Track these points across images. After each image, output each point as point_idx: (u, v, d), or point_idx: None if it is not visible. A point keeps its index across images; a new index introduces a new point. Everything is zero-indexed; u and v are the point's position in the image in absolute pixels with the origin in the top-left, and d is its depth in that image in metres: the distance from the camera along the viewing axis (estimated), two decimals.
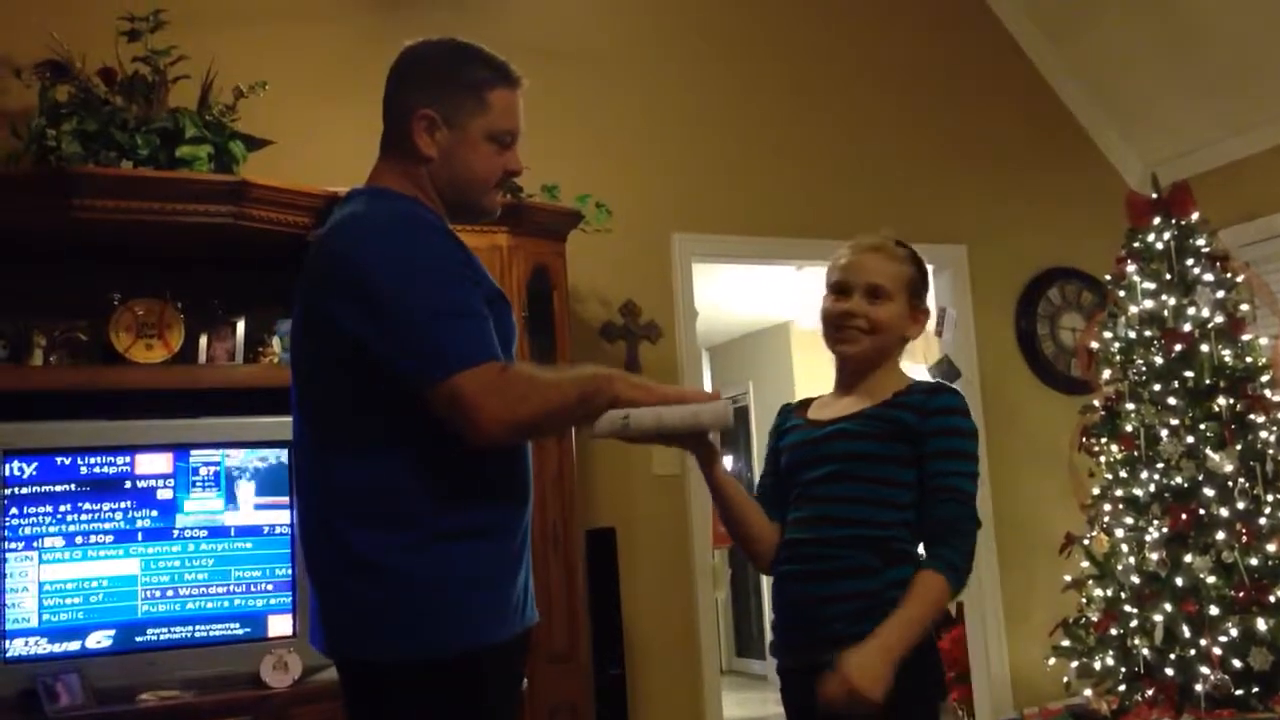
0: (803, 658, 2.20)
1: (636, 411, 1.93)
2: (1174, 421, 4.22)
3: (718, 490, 2.24)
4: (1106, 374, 4.53)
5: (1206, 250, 4.43)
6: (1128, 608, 4.18)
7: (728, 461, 9.31)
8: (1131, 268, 4.52)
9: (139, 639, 3.22)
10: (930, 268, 5.38)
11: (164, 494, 3.31)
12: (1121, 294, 4.54)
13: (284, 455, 3.40)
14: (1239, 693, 3.88)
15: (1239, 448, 4.12)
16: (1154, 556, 4.12)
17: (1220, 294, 4.33)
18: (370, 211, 1.92)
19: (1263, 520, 4.04)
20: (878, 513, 2.16)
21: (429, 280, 1.82)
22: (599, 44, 4.71)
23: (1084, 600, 4.40)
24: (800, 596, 2.20)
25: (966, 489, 2.16)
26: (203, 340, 3.54)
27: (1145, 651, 4.08)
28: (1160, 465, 4.22)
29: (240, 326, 3.58)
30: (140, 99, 3.43)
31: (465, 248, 1.93)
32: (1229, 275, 4.39)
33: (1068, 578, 4.47)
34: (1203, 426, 4.18)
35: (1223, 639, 3.92)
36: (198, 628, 3.29)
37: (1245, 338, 4.31)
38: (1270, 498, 4.08)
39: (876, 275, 2.26)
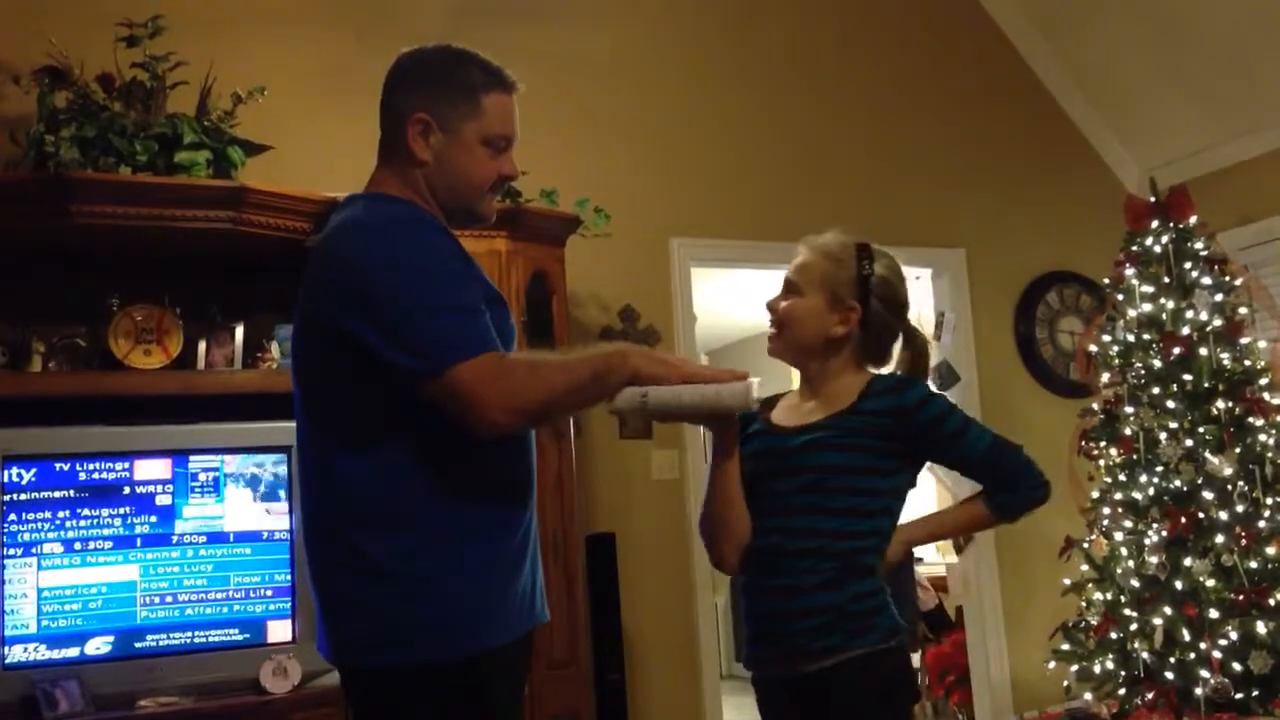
0: (774, 669, 2.22)
1: (655, 389, 1.90)
2: (1173, 425, 4.22)
3: (722, 482, 2.20)
4: (1105, 377, 4.53)
5: (1205, 254, 4.43)
6: (1127, 611, 4.18)
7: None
8: (1130, 271, 4.52)
9: (138, 645, 3.21)
10: (929, 271, 5.45)
11: (163, 500, 3.31)
12: (1120, 297, 4.54)
13: (283, 460, 3.40)
14: (1239, 696, 3.88)
15: (1238, 451, 4.12)
16: (1153, 560, 4.12)
17: (1219, 297, 4.33)
18: (367, 215, 1.93)
19: (1262, 523, 4.04)
20: (848, 523, 2.16)
21: (425, 279, 1.82)
22: (598, 49, 4.71)
23: (1083, 604, 4.40)
24: (768, 610, 2.20)
25: (990, 442, 2.22)
26: (201, 346, 3.53)
27: (1145, 655, 4.08)
28: (1159, 468, 4.21)
29: (239, 332, 3.58)
30: (139, 105, 3.43)
31: (461, 246, 1.93)
32: (1227, 279, 4.39)
33: (1067, 581, 4.46)
34: (1202, 430, 4.18)
35: (1222, 642, 3.92)
36: (197, 633, 3.28)
37: (1244, 341, 4.31)
38: (1269, 501, 4.08)
39: (793, 270, 2.31)
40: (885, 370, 2.32)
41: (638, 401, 1.90)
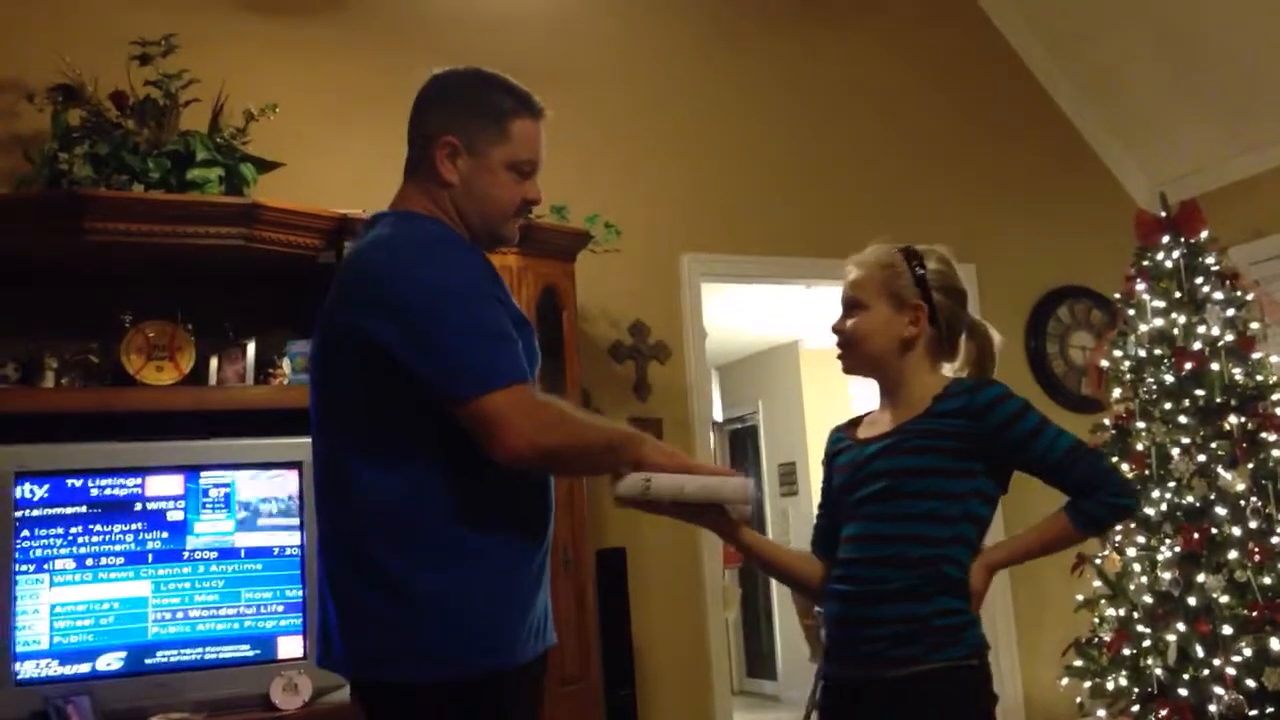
0: (848, 672, 2.21)
1: (658, 477, 1.96)
2: (1185, 440, 4.21)
3: (751, 553, 2.31)
4: (1117, 392, 4.51)
5: (1216, 268, 4.42)
6: (1140, 627, 4.16)
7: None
8: (1141, 286, 4.51)
9: (149, 661, 3.22)
10: None
11: (174, 516, 3.31)
12: (1131, 312, 4.53)
13: (294, 476, 3.41)
14: (1253, 713, 3.85)
15: (1250, 466, 4.10)
16: (1166, 576, 4.10)
17: (1230, 312, 4.32)
18: (401, 233, 1.94)
19: (1275, 539, 4.02)
20: (927, 528, 2.15)
21: (462, 301, 1.84)
22: (608, 66, 4.73)
23: (1096, 620, 4.38)
24: (849, 615, 2.20)
25: (1068, 446, 2.18)
26: (213, 362, 3.54)
27: (1159, 671, 4.06)
28: (1172, 484, 4.20)
29: (251, 348, 3.58)
30: (151, 122, 3.45)
31: (494, 270, 1.95)
32: (1239, 293, 4.38)
33: (1080, 597, 4.45)
34: (1214, 445, 4.16)
35: (1236, 659, 3.90)
36: (208, 649, 3.29)
37: (1256, 356, 4.30)
38: None
39: (850, 288, 2.31)
40: (955, 364, 2.34)
41: (639, 488, 1.96)
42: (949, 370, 2.33)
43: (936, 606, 2.12)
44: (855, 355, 2.30)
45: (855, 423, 2.40)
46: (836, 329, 2.32)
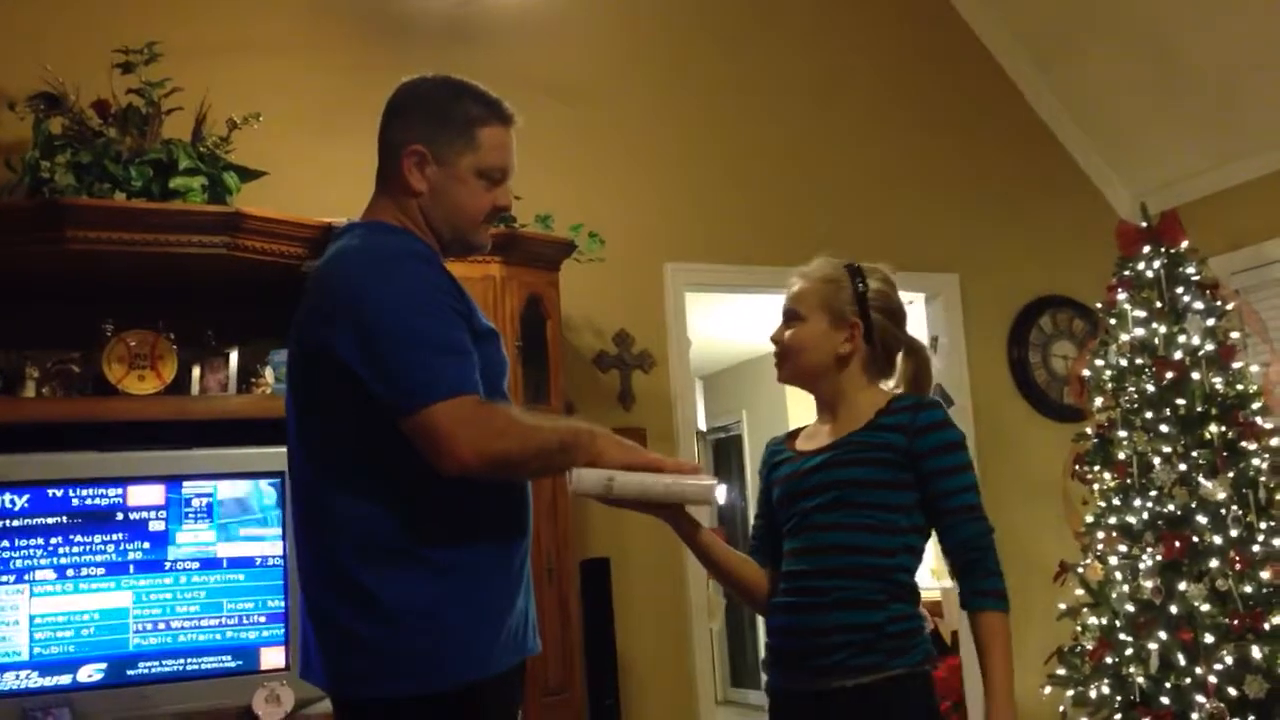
0: (799, 683, 2.21)
1: (621, 475, 1.94)
2: (1166, 449, 4.23)
3: (704, 556, 2.30)
4: (1099, 402, 4.54)
5: (1196, 278, 4.45)
6: (1122, 636, 4.17)
7: (721, 493, 9.33)
8: (1122, 296, 4.54)
9: (130, 672, 3.20)
10: (922, 296, 5.46)
11: (156, 526, 3.30)
12: (1113, 322, 4.56)
13: (277, 486, 3.39)
14: None
15: (1231, 475, 4.12)
16: (1148, 584, 4.12)
17: (1211, 322, 4.35)
18: (365, 244, 1.94)
19: (1256, 547, 4.04)
20: (877, 539, 2.17)
21: (416, 313, 1.83)
22: (592, 76, 4.74)
23: (1079, 628, 4.39)
24: (799, 626, 2.20)
25: (973, 501, 2.20)
26: (195, 371, 3.53)
27: (1140, 680, 4.07)
28: (1153, 493, 4.22)
29: (233, 357, 3.57)
30: (134, 131, 3.44)
31: (456, 282, 1.94)
32: (1219, 303, 4.41)
33: (1062, 606, 4.46)
34: (1195, 454, 4.19)
35: (1218, 667, 3.91)
36: (189, 660, 3.27)
37: (1236, 365, 4.33)
38: (1263, 525, 4.08)
39: (791, 299, 2.36)
40: (890, 382, 2.36)
41: (601, 485, 1.94)
42: (886, 388, 2.35)
43: (890, 613, 2.14)
44: (790, 367, 2.34)
45: (794, 435, 2.43)
46: (774, 338, 2.36)
